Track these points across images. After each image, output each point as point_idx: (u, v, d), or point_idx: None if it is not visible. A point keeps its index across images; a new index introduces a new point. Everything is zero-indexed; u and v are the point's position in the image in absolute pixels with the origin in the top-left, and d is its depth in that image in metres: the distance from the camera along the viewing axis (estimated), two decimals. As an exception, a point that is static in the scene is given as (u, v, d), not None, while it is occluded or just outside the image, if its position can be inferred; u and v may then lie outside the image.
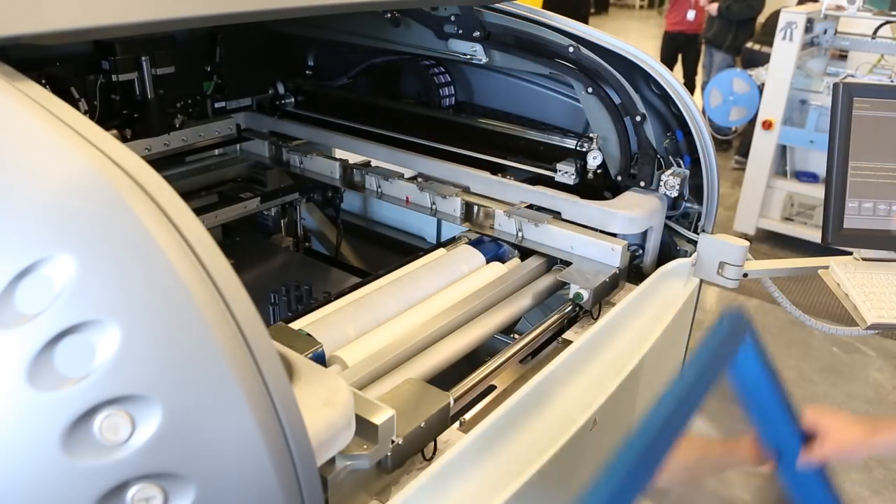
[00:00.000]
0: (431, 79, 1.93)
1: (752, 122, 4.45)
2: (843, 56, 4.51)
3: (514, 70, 1.79)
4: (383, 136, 1.89)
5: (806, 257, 1.55)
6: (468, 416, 1.12)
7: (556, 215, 1.55)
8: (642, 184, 1.58)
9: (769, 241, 4.40)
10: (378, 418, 0.86)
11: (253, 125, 2.12)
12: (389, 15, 1.79)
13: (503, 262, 1.49)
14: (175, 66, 1.78)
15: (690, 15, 6.23)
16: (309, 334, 1.08)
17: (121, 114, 1.73)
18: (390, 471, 0.94)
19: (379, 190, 1.85)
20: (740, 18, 5.70)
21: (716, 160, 1.58)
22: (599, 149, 1.60)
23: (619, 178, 1.61)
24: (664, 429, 0.82)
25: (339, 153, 2.07)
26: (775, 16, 5.12)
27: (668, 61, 6.55)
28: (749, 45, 5.43)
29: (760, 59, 5.21)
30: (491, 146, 1.76)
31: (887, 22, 4.07)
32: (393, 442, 0.90)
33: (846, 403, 2.95)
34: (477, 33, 1.69)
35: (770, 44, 5.12)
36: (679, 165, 1.58)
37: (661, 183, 1.55)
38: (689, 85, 6.31)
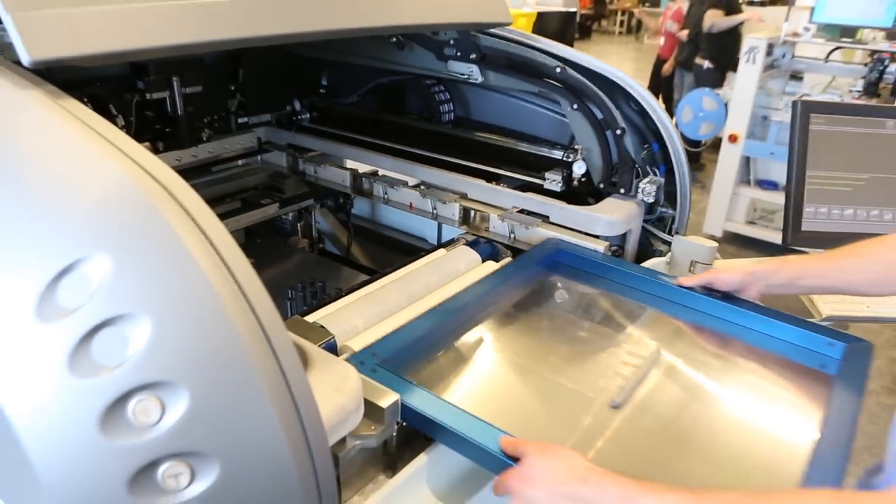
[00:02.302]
0: (432, 96, 1.92)
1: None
2: (799, 77, 4.52)
3: (506, 88, 1.79)
4: (389, 148, 1.88)
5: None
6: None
7: (545, 219, 1.55)
8: (622, 191, 1.57)
9: (735, 242, 4.40)
10: (384, 402, 0.85)
11: (272, 138, 2.11)
12: (395, 39, 1.79)
13: (497, 261, 1.48)
14: (202, 85, 1.77)
15: (661, 41, 6.27)
16: (322, 326, 1.08)
17: (154, 128, 1.73)
18: (396, 449, 0.94)
19: (385, 196, 1.85)
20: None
21: (687, 170, 1.58)
22: (584, 159, 1.60)
23: (602, 185, 1.61)
24: None
25: (349, 163, 2.06)
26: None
27: (654, 81, 6.56)
28: (696, 60, 5.47)
29: (702, 73, 5.28)
30: (486, 157, 1.75)
31: (838, 48, 4.11)
32: (398, 423, 0.90)
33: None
34: (474, 55, 1.69)
35: (709, 58, 5.20)
36: (655, 174, 1.58)
37: (639, 190, 1.55)
38: (668, 101, 6.31)
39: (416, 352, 1.09)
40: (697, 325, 1.24)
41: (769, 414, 1.05)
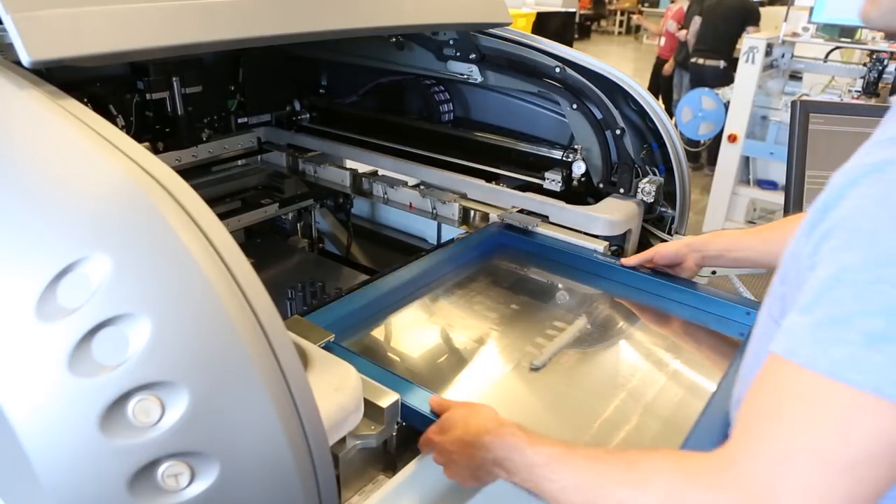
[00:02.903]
0: (432, 96, 1.92)
1: (719, 135, 4.46)
2: (798, 77, 4.52)
3: (506, 88, 1.79)
4: (389, 148, 1.88)
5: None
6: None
7: (545, 219, 1.55)
8: (622, 190, 1.57)
9: (734, 242, 4.39)
10: (384, 402, 0.85)
11: (272, 138, 2.11)
12: (395, 39, 1.79)
13: (497, 260, 1.49)
14: (202, 85, 1.77)
15: (661, 41, 6.26)
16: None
17: (154, 128, 1.72)
18: (395, 449, 0.94)
19: (385, 196, 1.85)
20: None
21: (687, 169, 1.58)
22: (583, 159, 1.60)
23: (601, 185, 1.61)
24: None
25: (349, 163, 2.06)
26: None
27: (654, 81, 6.56)
28: (693, 59, 5.45)
29: (705, 71, 5.25)
30: (486, 157, 1.75)
31: (837, 48, 4.11)
32: (398, 423, 0.90)
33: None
34: (473, 55, 1.69)
35: (707, 56, 5.17)
36: (654, 174, 1.58)
37: (639, 190, 1.55)
38: (668, 101, 6.30)
39: (352, 321, 1.15)
40: (627, 299, 1.34)
41: (676, 374, 1.13)
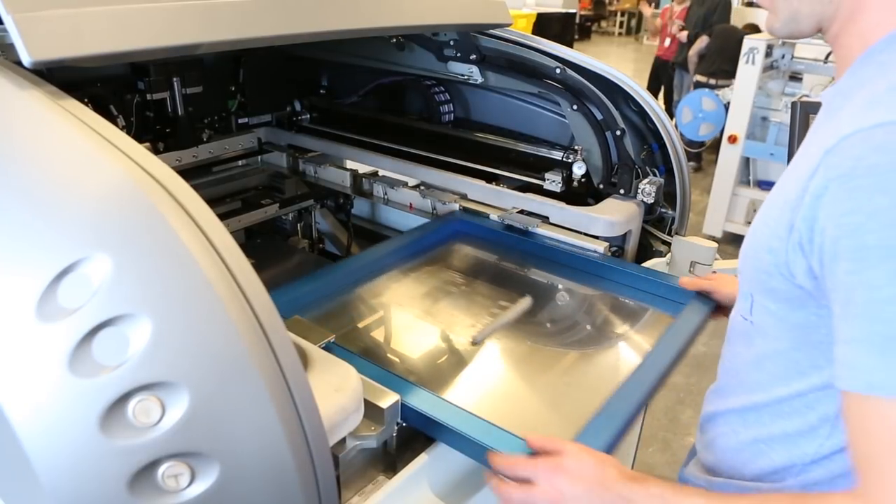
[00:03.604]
0: (432, 97, 1.92)
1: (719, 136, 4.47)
2: (798, 78, 4.52)
3: (506, 89, 1.79)
4: (389, 149, 1.88)
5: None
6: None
7: (545, 219, 1.55)
8: (622, 191, 1.57)
9: (734, 243, 4.40)
10: (384, 402, 0.85)
11: (272, 139, 2.11)
12: (395, 40, 1.79)
13: (497, 261, 1.49)
14: (203, 85, 1.77)
15: (666, 42, 6.25)
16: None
17: (154, 129, 1.72)
18: (396, 450, 0.94)
19: (385, 197, 1.85)
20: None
21: (688, 170, 1.58)
22: (583, 160, 1.60)
23: (601, 186, 1.61)
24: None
25: (349, 164, 2.06)
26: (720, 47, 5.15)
27: (653, 82, 6.56)
28: (696, 78, 5.44)
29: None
30: (486, 157, 1.75)
31: (838, 48, 4.10)
32: (398, 424, 0.90)
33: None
34: (473, 56, 1.69)
35: (717, 77, 5.16)
36: (655, 175, 1.58)
37: (639, 190, 1.55)
38: (668, 102, 6.30)
39: (307, 300, 1.20)
40: (571, 280, 1.43)
41: (606, 347, 1.23)
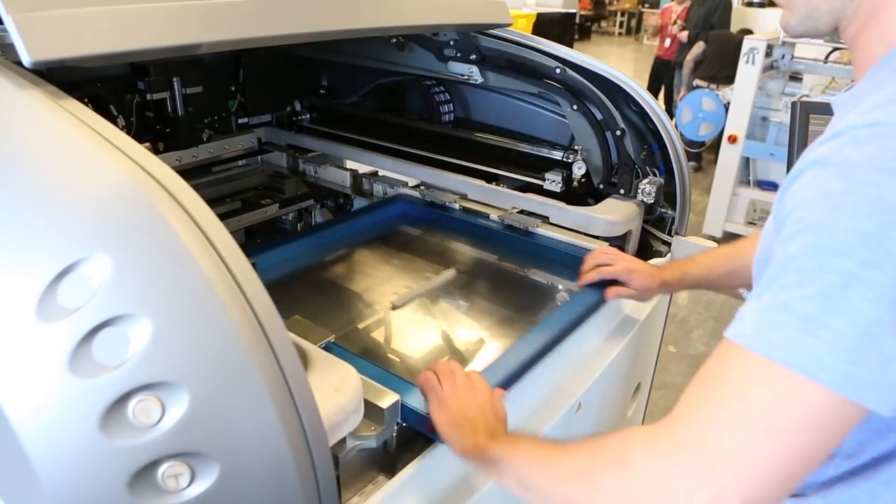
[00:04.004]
0: (432, 97, 1.92)
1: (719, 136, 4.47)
2: (798, 78, 4.52)
3: (506, 89, 1.79)
4: (389, 149, 1.88)
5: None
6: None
7: (545, 220, 1.55)
8: (622, 191, 1.57)
9: (734, 243, 4.40)
10: (384, 402, 0.86)
11: (272, 139, 2.11)
12: (395, 40, 1.79)
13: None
14: (203, 85, 1.77)
15: (667, 42, 6.24)
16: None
17: (154, 129, 1.72)
18: (396, 450, 0.94)
19: (385, 197, 1.85)
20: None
21: (688, 170, 1.58)
22: (583, 160, 1.60)
23: (601, 186, 1.61)
24: None
25: (349, 164, 2.06)
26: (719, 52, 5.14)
27: (653, 82, 6.56)
28: (697, 83, 5.44)
29: None
30: (486, 157, 1.75)
31: (837, 49, 4.11)
32: (398, 424, 0.90)
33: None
34: (473, 56, 1.69)
35: (713, 78, 5.16)
36: (655, 175, 1.58)
37: (639, 190, 1.55)
38: (669, 102, 6.29)
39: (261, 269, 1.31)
40: (498, 255, 1.53)
41: (510, 315, 1.34)
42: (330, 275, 1.48)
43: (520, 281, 1.49)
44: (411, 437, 0.95)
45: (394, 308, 1.32)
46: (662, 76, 6.49)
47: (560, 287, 1.43)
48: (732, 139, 4.24)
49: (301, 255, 1.48)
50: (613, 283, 1.27)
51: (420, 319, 1.32)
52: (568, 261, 1.42)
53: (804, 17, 0.71)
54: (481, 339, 1.26)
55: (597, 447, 0.65)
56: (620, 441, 0.63)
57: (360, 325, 1.26)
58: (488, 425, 0.83)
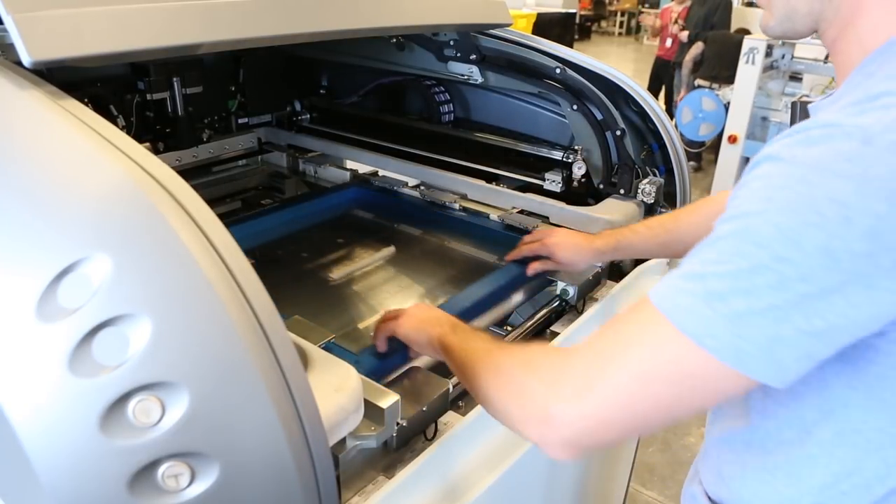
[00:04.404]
0: (432, 97, 1.92)
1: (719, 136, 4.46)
2: (798, 78, 4.53)
3: (506, 89, 1.79)
4: (389, 149, 1.88)
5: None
6: (466, 400, 1.12)
7: (545, 220, 1.55)
8: (622, 191, 1.57)
9: (734, 243, 4.39)
10: (384, 402, 0.86)
11: (272, 139, 2.11)
12: (395, 40, 1.79)
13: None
14: (203, 85, 1.77)
15: (667, 42, 6.25)
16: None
17: (154, 129, 1.72)
18: (396, 450, 0.94)
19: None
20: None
21: (688, 170, 1.58)
22: (583, 160, 1.60)
23: (601, 186, 1.61)
24: None
25: (349, 164, 2.06)
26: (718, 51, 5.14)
27: (653, 82, 6.56)
28: (699, 82, 5.44)
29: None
30: (486, 157, 1.75)
31: (838, 48, 4.10)
32: (398, 424, 0.90)
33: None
34: (473, 56, 1.69)
35: (714, 78, 5.15)
36: (655, 175, 1.58)
37: (639, 190, 1.55)
38: (669, 102, 6.29)
39: None
40: (443, 236, 1.62)
41: (442, 284, 1.45)
42: (280, 254, 1.56)
43: (457, 251, 1.58)
44: (412, 436, 0.95)
45: (332, 284, 1.43)
46: (662, 76, 6.49)
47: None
48: (732, 139, 4.24)
49: (249, 236, 1.56)
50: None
51: (353, 293, 1.42)
52: (499, 237, 1.56)
53: (783, 19, 0.72)
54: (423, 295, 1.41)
55: (518, 350, 0.77)
56: (536, 350, 0.74)
57: (308, 298, 1.35)
58: (450, 321, 0.93)
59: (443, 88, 1.94)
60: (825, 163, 0.54)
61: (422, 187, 1.79)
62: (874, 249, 0.52)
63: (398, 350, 1.03)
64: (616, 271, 1.54)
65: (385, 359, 1.04)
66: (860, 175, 0.52)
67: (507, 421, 0.72)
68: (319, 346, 0.96)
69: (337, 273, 1.45)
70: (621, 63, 11.44)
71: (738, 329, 0.55)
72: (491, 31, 1.64)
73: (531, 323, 1.29)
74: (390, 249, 1.55)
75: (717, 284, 0.56)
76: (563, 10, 9.57)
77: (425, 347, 0.95)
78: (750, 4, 7.33)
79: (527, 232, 1.47)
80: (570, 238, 1.30)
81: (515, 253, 1.36)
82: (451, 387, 1.01)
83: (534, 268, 1.32)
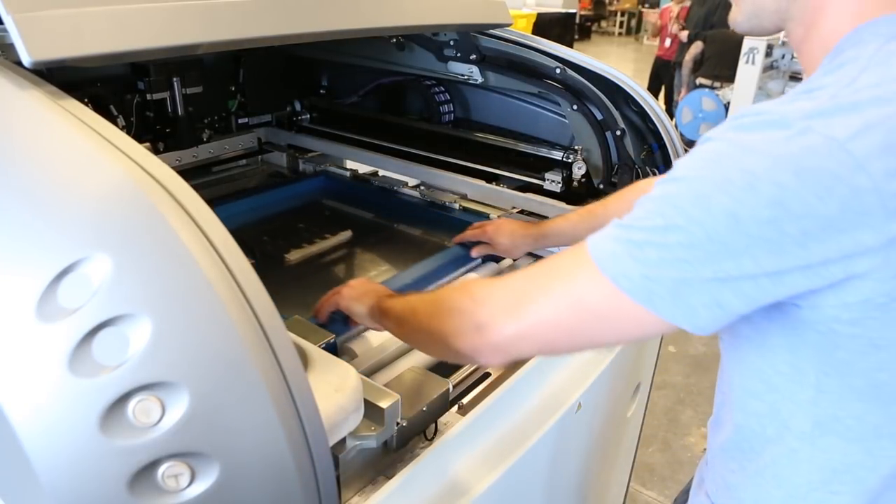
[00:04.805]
0: (432, 97, 1.92)
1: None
2: (798, 78, 4.53)
3: (506, 89, 1.79)
4: (389, 149, 1.89)
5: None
6: (466, 400, 1.12)
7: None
8: (621, 191, 1.57)
9: (734, 243, 4.39)
10: (384, 403, 0.86)
11: (272, 139, 2.11)
12: (395, 40, 1.79)
13: (497, 262, 1.49)
14: (203, 85, 1.77)
15: (667, 42, 6.25)
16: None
17: (154, 129, 1.72)
18: (396, 450, 0.94)
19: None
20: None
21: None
22: (583, 160, 1.60)
23: (601, 186, 1.61)
24: None
25: (349, 164, 2.06)
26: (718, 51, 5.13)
27: (653, 82, 6.56)
28: (700, 81, 5.43)
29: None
30: (486, 157, 1.75)
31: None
32: (398, 424, 0.90)
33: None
34: (473, 56, 1.69)
35: (716, 77, 5.15)
36: (655, 175, 1.58)
37: (639, 191, 1.55)
38: (669, 102, 6.29)
39: None
40: (402, 223, 1.69)
41: (384, 270, 1.51)
42: (245, 238, 1.58)
43: (411, 235, 1.66)
44: (412, 436, 0.95)
45: (287, 265, 1.49)
46: (662, 76, 6.49)
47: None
48: (732, 139, 4.24)
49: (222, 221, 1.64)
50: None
51: (308, 273, 1.50)
52: (455, 224, 1.61)
53: (750, 15, 0.74)
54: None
55: (454, 285, 0.87)
56: (471, 280, 0.83)
57: (268, 280, 1.40)
58: (387, 291, 1.03)
59: (443, 88, 1.94)
60: (747, 142, 0.59)
61: (422, 187, 1.79)
62: (778, 216, 0.56)
63: (338, 321, 1.13)
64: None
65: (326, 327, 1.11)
66: (772, 152, 0.57)
67: (442, 341, 0.77)
68: (319, 346, 0.96)
69: (294, 257, 1.53)
70: (621, 63, 11.44)
71: (649, 272, 0.61)
72: (491, 31, 1.64)
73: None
74: (345, 235, 1.64)
75: (637, 235, 0.63)
76: (563, 10, 9.58)
77: (365, 318, 1.03)
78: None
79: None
80: (508, 225, 1.39)
81: (459, 237, 1.47)
82: (451, 387, 1.01)
83: (476, 252, 1.44)
